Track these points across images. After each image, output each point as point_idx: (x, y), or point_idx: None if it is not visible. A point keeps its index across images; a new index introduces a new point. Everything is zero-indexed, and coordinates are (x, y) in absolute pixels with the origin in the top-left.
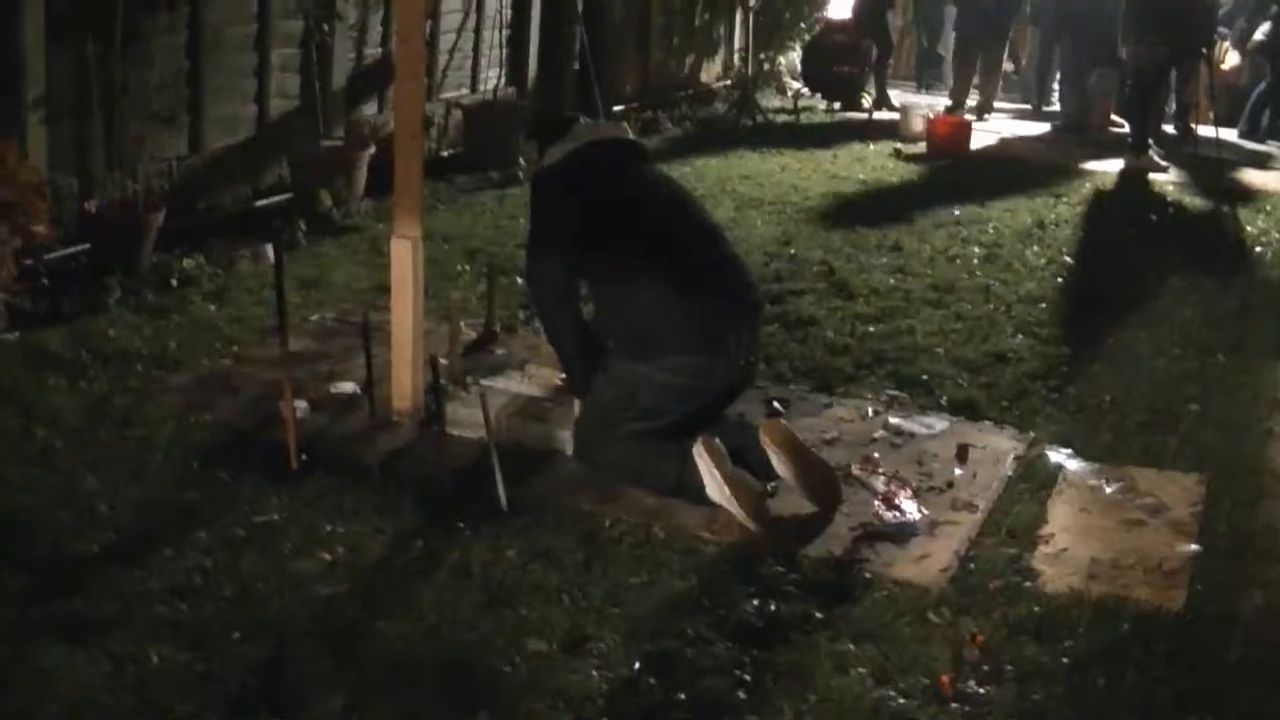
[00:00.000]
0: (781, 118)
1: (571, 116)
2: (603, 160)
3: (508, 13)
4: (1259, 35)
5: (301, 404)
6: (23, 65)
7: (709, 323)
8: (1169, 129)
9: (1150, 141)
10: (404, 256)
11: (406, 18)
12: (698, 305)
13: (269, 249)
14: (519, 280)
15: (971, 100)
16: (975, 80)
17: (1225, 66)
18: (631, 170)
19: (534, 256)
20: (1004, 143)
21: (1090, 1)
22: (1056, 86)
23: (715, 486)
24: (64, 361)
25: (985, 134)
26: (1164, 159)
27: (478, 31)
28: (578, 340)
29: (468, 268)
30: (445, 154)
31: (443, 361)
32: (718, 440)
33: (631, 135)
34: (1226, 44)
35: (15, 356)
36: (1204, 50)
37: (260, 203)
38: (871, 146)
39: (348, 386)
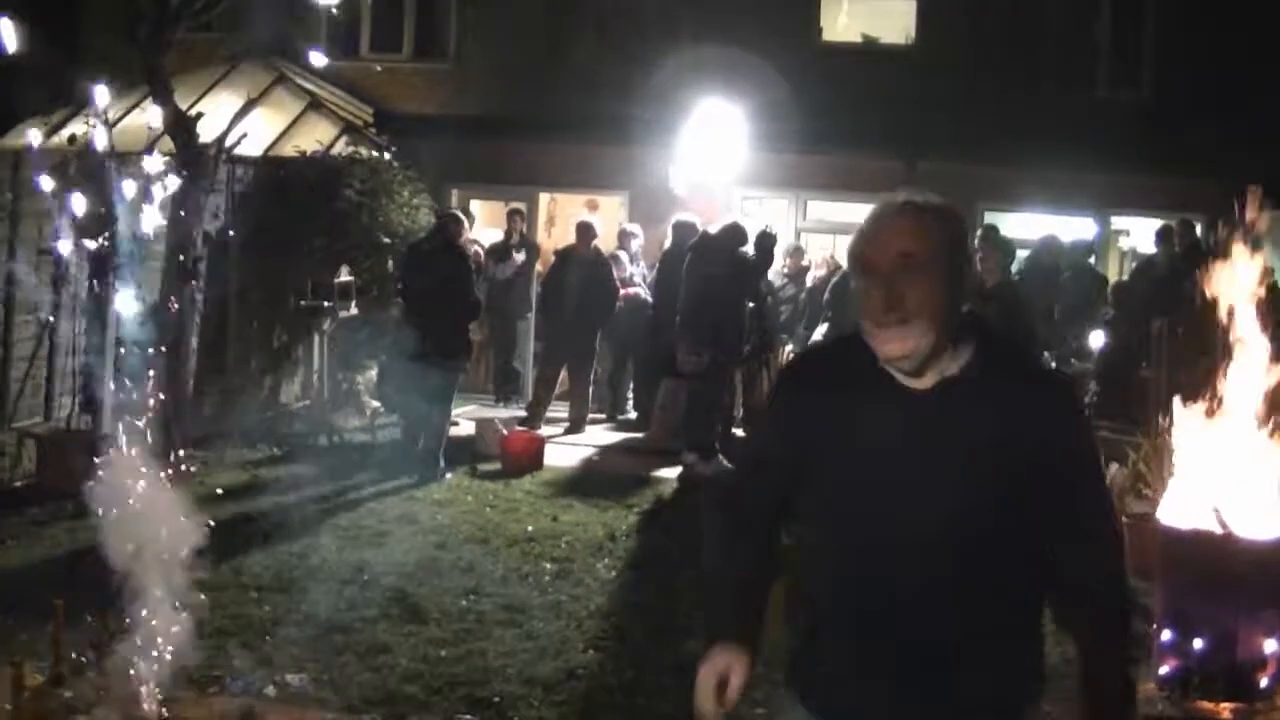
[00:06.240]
0: (360, 437)
1: None
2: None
3: (82, 339)
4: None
5: None
6: None
7: None
8: (740, 433)
9: (716, 445)
10: None
11: None
12: None
13: None
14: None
15: (559, 412)
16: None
17: None
18: None
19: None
20: (580, 454)
21: (657, 315)
22: (630, 395)
23: None
24: None
25: (564, 447)
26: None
27: (51, 359)
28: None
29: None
30: (18, 484)
31: (6, 706)
32: None
33: None
34: (789, 347)
35: None
36: (765, 354)
37: None
38: (447, 468)
39: None
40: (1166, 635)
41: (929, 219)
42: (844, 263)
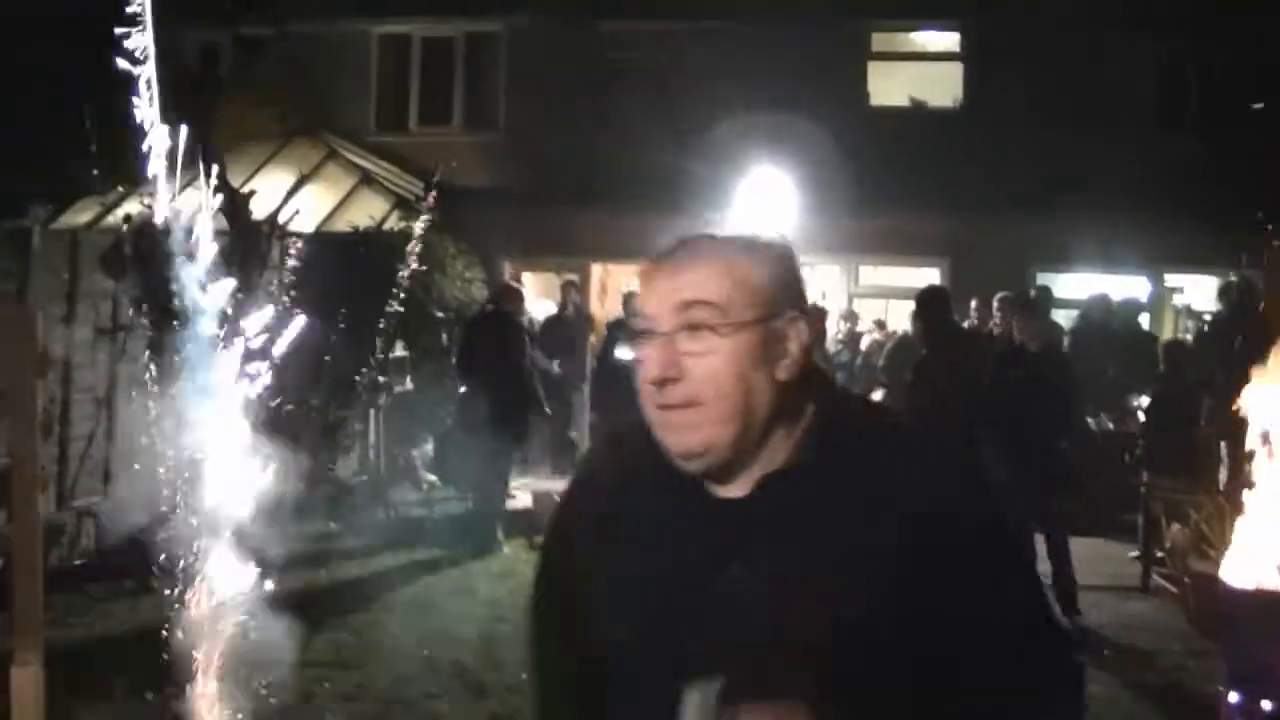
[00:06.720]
0: (417, 511)
1: None
2: None
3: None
4: None
5: None
6: None
7: None
8: None
9: None
10: (26, 686)
11: (19, 441)
12: None
13: None
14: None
15: None
16: None
17: None
18: None
19: None
20: None
21: None
22: None
23: None
24: None
25: None
26: None
27: (110, 436)
28: None
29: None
30: (78, 563)
31: None
32: None
33: None
34: None
35: None
36: None
37: None
38: (505, 540)
39: None
40: (1234, 697)
41: (733, 256)
42: (899, 327)
